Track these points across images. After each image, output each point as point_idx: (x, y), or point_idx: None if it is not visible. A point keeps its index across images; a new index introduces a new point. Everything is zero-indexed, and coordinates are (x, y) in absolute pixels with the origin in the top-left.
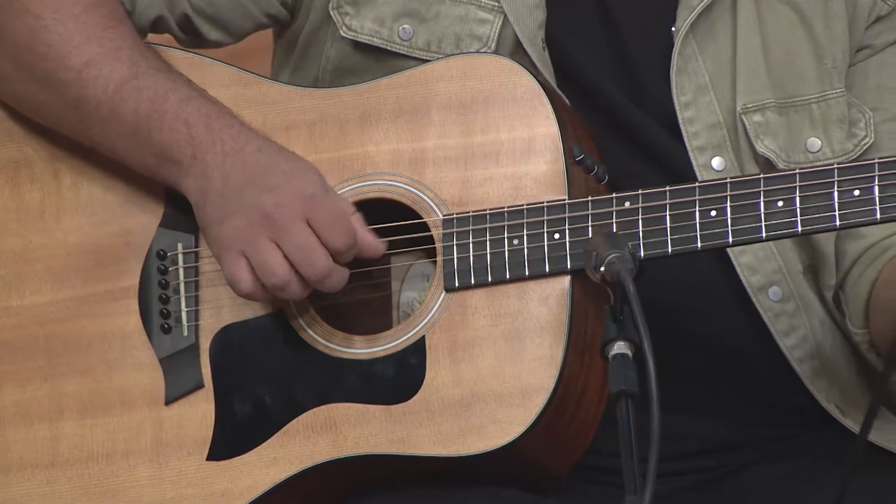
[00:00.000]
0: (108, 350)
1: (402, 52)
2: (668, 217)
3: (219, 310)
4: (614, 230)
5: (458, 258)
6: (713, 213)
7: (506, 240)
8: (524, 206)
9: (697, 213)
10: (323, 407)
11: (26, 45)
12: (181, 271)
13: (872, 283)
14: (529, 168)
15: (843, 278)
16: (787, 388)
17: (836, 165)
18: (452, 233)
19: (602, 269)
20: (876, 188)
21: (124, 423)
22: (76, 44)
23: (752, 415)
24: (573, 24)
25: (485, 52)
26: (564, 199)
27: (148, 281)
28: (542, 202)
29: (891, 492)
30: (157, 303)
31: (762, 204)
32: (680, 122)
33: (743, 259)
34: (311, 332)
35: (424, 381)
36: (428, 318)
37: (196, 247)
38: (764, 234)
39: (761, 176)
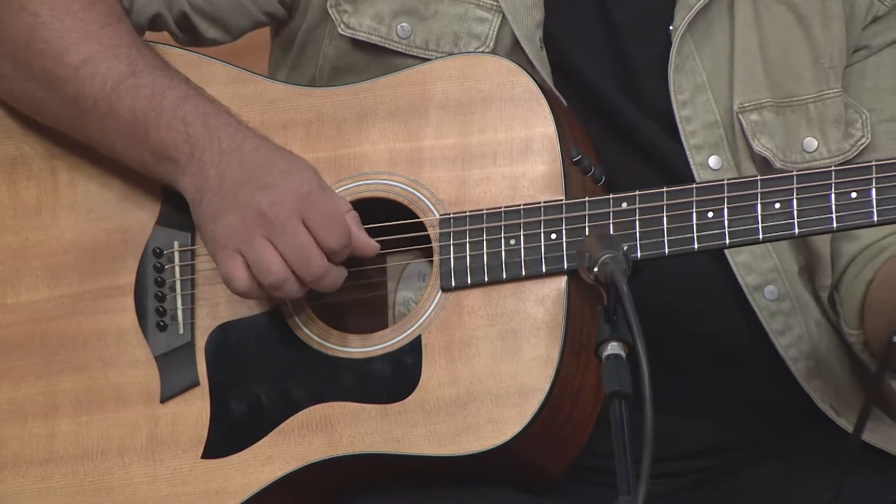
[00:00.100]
0: (103, 347)
1: (400, 50)
2: (664, 218)
3: (215, 308)
4: (611, 231)
5: (454, 258)
6: (710, 214)
7: (503, 240)
8: (521, 207)
9: (694, 215)
10: (318, 406)
11: (24, 43)
12: (177, 269)
13: (868, 284)
14: (527, 168)
15: (838, 279)
16: (782, 388)
17: (833, 168)
18: (449, 232)
19: (595, 269)
20: (873, 191)
21: (119, 420)
22: (74, 41)
23: (748, 415)
24: (571, 24)
25: (483, 53)
26: (561, 200)
27: (144, 279)
28: (539, 202)
29: (885, 492)
30: (153, 300)
31: (759, 206)
32: (677, 120)
33: (739, 258)
34: (306, 331)
35: (420, 381)
36: (424, 317)
37: (192, 245)
38: (761, 236)
39: (758, 178)
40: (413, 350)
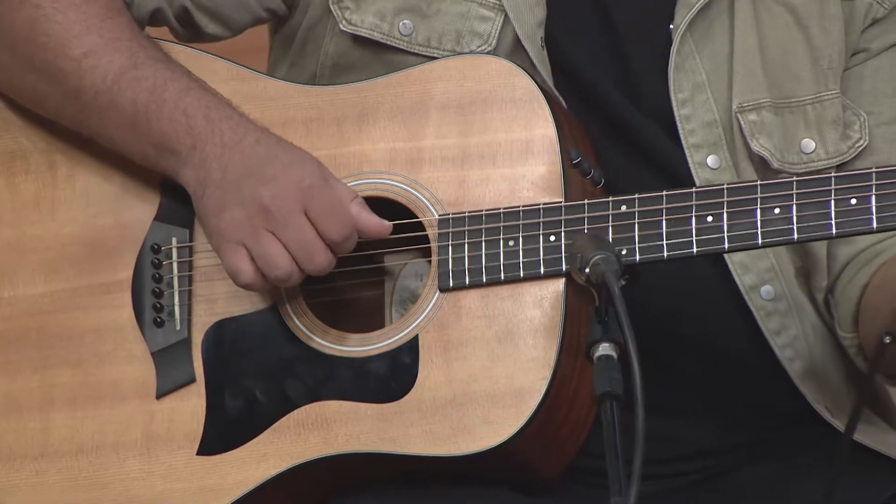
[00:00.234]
0: (100, 342)
1: (402, 47)
2: (664, 222)
3: (212, 305)
4: (610, 234)
5: (453, 258)
6: (709, 218)
7: (501, 241)
8: (520, 208)
9: (694, 219)
10: (315, 404)
11: (25, 35)
12: (175, 265)
13: (863, 288)
14: (526, 170)
15: (833, 282)
16: (779, 389)
17: (833, 174)
18: (448, 233)
19: (587, 270)
20: (873, 198)
21: (115, 415)
22: (76, 34)
23: (746, 416)
24: (572, 23)
25: (484, 54)
26: (561, 202)
27: (142, 274)
28: (539, 204)
29: (879, 491)
30: (150, 296)
31: (759, 211)
32: (676, 119)
33: (736, 257)
34: (304, 329)
35: (417, 381)
36: (422, 317)
37: (190, 241)
38: (760, 241)
39: (758, 183)
40: (410, 350)
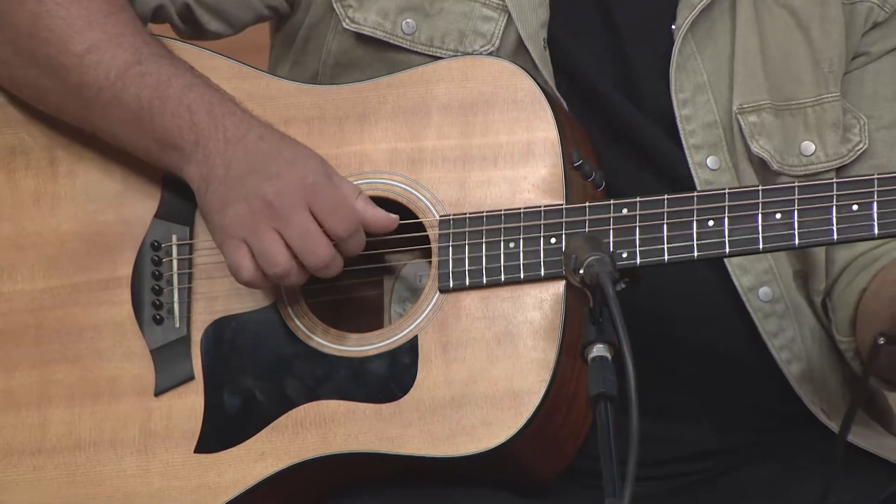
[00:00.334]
0: (98, 339)
1: (405, 46)
2: (665, 226)
3: (211, 303)
4: (611, 237)
5: (453, 259)
6: (710, 223)
7: (502, 242)
8: (521, 210)
9: (695, 223)
10: (313, 403)
11: (28, 30)
12: (175, 263)
13: (861, 293)
14: (528, 172)
15: (831, 285)
16: (777, 390)
17: (835, 180)
18: (448, 234)
19: (581, 271)
20: (874, 204)
21: (113, 412)
22: (78, 29)
23: (743, 418)
24: (575, 25)
25: (487, 55)
26: (562, 205)
27: (141, 271)
28: (540, 206)
29: (875, 492)
30: (149, 294)
31: (760, 216)
32: (677, 119)
33: (734, 259)
34: (303, 329)
35: (416, 381)
36: (421, 317)
37: (191, 239)
38: (761, 246)
39: (760, 188)
40: (409, 350)
